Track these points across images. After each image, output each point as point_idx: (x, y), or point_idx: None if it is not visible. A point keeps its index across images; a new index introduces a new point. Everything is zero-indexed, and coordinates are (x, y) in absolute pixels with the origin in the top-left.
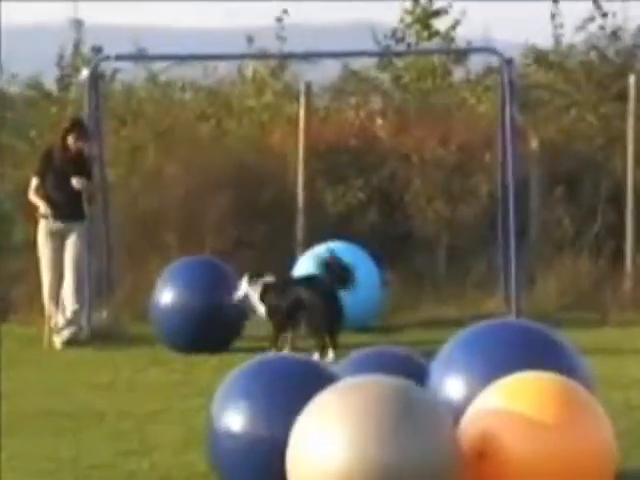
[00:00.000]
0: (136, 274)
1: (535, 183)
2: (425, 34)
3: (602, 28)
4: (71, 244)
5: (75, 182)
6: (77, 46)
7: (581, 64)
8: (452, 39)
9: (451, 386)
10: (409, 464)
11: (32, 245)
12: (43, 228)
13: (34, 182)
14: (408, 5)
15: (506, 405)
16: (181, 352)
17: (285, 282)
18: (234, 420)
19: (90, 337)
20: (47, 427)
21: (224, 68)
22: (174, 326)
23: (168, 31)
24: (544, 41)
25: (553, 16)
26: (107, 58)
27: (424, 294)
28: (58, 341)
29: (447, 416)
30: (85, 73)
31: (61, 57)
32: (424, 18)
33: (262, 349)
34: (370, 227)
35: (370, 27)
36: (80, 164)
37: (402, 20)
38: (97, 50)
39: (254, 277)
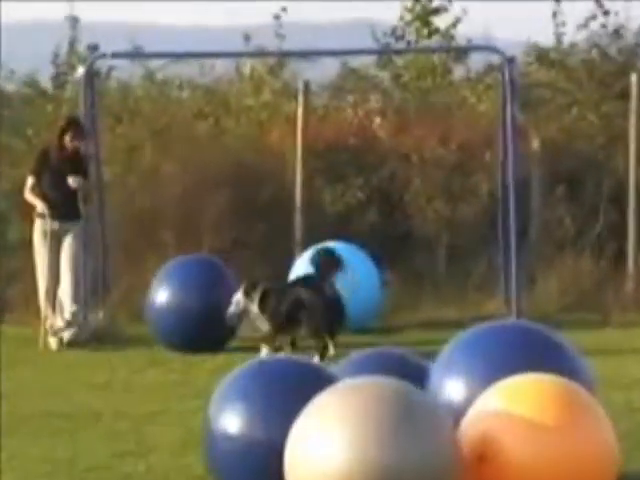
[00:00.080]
0: (133, 274)
1: (536, 182)
2: (425, 32)
3: (604, 26)
4: (68, 245)
5: (71, 181)
6: (73, 44)
7: (583, 62)
8: (452, 37)
9: (451, 388)
10: (409, 466)
11: (28, 244)
12: (39, 228)
13: (30, 181)
14: (408, 3)
15: (506, 407)
16: (178, 352)
17: (283, 284)
18: (232, 422)
19: (87, 337)
20: (44, 428)
21: (221, 66)
22: (170, 325)
23: (165, 29)
24: (546, 39)
25: (555, 14)
26: (103, 56)
27: (424, 294)
28: (54, 342)
29: (447, 418)
30: (81, 71)
31: (56, 55)
32: (424, 16)
33: (259, 349)
34: (369, 227)
35: (369, 25)
36: (76, 163)
37: (402, 18)
38: (93, 48)
39: (250, 291)
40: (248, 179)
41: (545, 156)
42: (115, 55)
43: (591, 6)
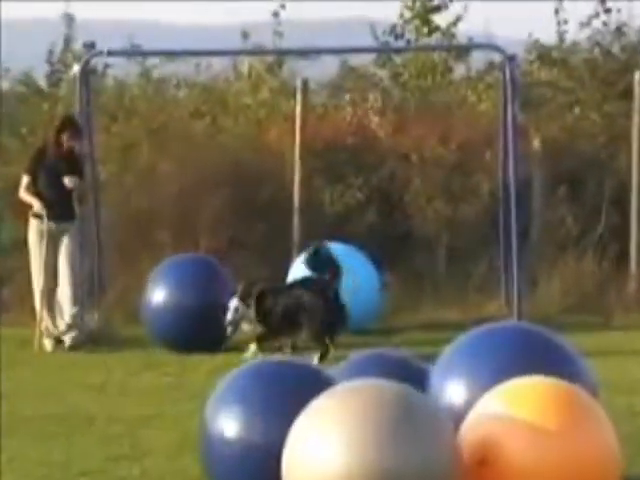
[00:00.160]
0: (128, 274)
1: (537, 182)
2: (425, 30)
3: (606, 24)
4: (65, 247)
5: (67, 181)
6: (68, 42)
7: (585, 61)
8: (453, 35)
9: (452, 391)
10: (408, 470)
11: (22, 244)
12: (34, 228)
13: (25, 180)
14: (408, 0)
15: (507, 411)
16: (173, 352)
17: (280, 286)
18: (228, 425)
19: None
20: (39, 430)
21: (219, 64)
22: (166, 325)
23: (163, 27)
24: (547, 38)
25: (557, 12)
26: (99, 53)
27: (424, 296)
28: (49, 344)
29: (447, 421)
30: (76, 68)
31: (51, 52)
32: (424, 14)
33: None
34: (369, 227)
35: (369, 23)
36: (72, 163)
37: (401, 16)
38: (90, 46)
39: (246, 297)
40: (246, 178)
41: (546, 156)
42: (111, 53)
43: (593, 4)
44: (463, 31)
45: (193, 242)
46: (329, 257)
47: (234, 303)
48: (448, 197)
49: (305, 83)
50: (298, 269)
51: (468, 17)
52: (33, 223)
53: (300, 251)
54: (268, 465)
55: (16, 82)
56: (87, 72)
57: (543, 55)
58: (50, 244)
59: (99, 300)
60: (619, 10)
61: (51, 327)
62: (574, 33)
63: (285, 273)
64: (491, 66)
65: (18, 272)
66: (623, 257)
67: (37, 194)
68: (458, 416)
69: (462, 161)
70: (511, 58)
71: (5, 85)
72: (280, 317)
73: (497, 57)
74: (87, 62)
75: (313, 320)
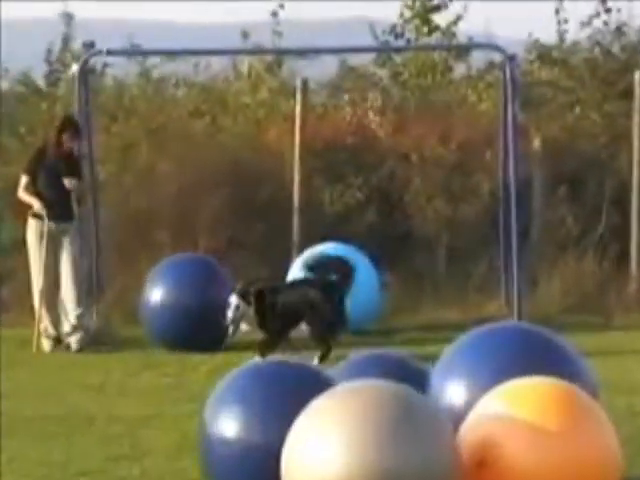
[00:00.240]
0: (127, 274)
1: (538, 182)
2: (425, 29)
3: (606, 24)
4: (67, 248)
5: (67, 182)
6: (66, 41)
7: (585, 61)
8: (453, 35)
9: (452, 391)
10: (408, 470)
11: (22, 244)
12: (34, 228)
13: (24, 180)
14: (408, 0)
15: (507, 411)
16: (173, 351)
17: (277, 286)
18: (228, 425)
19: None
20: (39, 430)
21: (218, 64)
22: (165, 325)
23: (162, 26)
24: (547, 37)
25: (557, 12)
26: (99, 52)
27: (424, 296)
28: (47, 344)
29: (447, 422)
30: (75, 68)
31: (49, 52)
32: (424, 13)
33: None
34: (369, 227)
35: (368, 22)
36: (71, 163)
37: (401, 15)
38: (89, 45)
39: (245, 294)
40: (245, 178)
41: (547, 156)
42: (110, 52)
43: (594, 4)
44: (463, 31)
45: (192, 242)
46: (339, 259)
47: (234, 300)
48: (448, 197)
49: (305, 83)
50: (297, 268)
51: (468, 17)
52: (32, 223)
53: (300, 251)
54: (268, 465)
55: (15, 82)
56: (86, 71)
57: (543, 55)
58: (49, 244)
59: (98, 300)
60: (619, 10)
61: (50, 327)
62: (574, 33)
63: (285, 273)
64: (491, 66)
65: (18, 272)
66: (623, 257)
67: (37, 194)
68: (458, 416)
69: (462, 161)
70: (511, 58)
71: (4, 85)
72: (278, 319)
73: (497, 57)
74: (86, 61)
75: (319, 319)
